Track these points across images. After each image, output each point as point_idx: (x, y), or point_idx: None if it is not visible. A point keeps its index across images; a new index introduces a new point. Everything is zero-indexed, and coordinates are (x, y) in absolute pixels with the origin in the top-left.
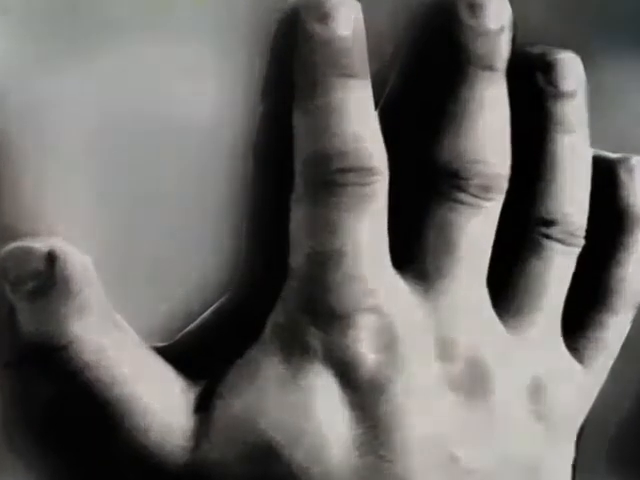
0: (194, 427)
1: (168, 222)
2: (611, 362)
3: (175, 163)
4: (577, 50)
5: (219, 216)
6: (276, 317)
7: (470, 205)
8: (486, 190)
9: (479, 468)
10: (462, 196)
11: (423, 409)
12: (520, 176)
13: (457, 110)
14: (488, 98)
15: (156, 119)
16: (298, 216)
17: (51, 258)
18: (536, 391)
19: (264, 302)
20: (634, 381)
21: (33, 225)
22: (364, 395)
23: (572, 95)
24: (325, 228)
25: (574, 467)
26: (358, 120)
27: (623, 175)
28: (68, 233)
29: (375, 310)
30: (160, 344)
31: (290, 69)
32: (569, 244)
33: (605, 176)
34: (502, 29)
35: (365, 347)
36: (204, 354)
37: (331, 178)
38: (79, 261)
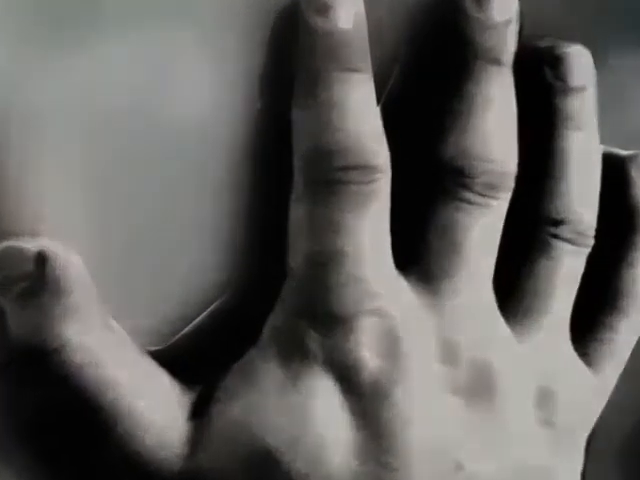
0: (190, 433)
1: (163, 221)
2: (622, 366)
3: (171, 161)
4: (586, 43)
5: (216, 216)
6: (274, 320)
7: (476, 204)
8: (492, 188)
9: (484, 476)
10: (467, 195)
11: (426, 415)
12: (527, 174)
13: (462, 106)
14: (494, 93)
15: (151, 116)
16: (297, 215)
17: (41, 258)
18: (543, 396)
19: (262, 304)
20: None
21: (22, 225)
22: (365, 401)
23: (581, 90)
24: (325, 228)
25: (583, 475)
26: (360, 116)
27: (634, 173)
28: (58, 233)
29: (377, 312)
30: (154, 347)
31: (289, 63)
32: (578, 244)
33: (615, 174)
34: (509, 21)
35: (366, 351)
36: (200, 358)
37: (332, 176)
38: (70, 261)
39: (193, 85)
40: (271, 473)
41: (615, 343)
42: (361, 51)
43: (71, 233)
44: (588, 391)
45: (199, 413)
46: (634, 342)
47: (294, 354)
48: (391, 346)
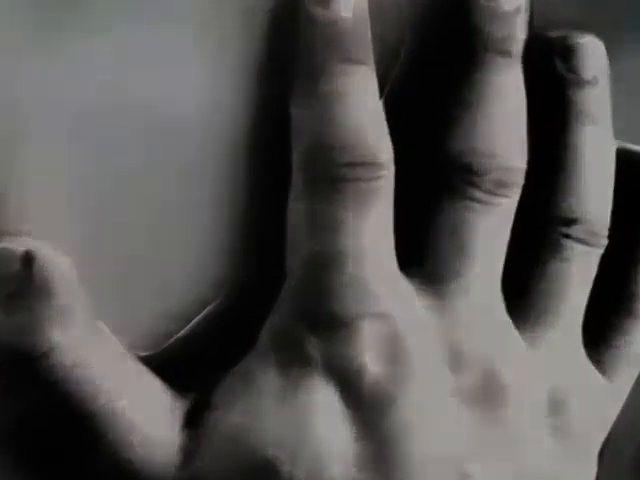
0: (184, 442)
1: (155, 221)
2: (636, 373)
3: (164, 160)
4: (599, 34)
5: (210, 215)
6: (272, 324)
7: (484, 202)
8: (501, 186)
9: None
10: (475, 193)
11: (432, 425)
12: (538, 171)
13: (470, 99)
14: (503, 86)
15: (140, 110)
16: (297, 214)
17: (28, 259)
18: (555, 405)
19: (259, 308)
20: None
21: (6, 225)
22: (368, 410)
23: (594, 82)
24: (326, 227)
25: None
26: (362, 110)
27: None
28: (45, 233)
29: (380, 316)
30: (146, 353)
31: (288, 55)
32: (591, 244)
33: (630, 170)
34: (518, 10)
35: (369, 357)
36: (194, 364)
37: (333, 173)
38: (58, 262)
39: (186, 80)
40: None
41: (630, 348)
42: (363, 42)
43: (59, 234)
44: (602, 398)
45: (194, 421)
46: None
47: (293, 360)
48: (394, 351)
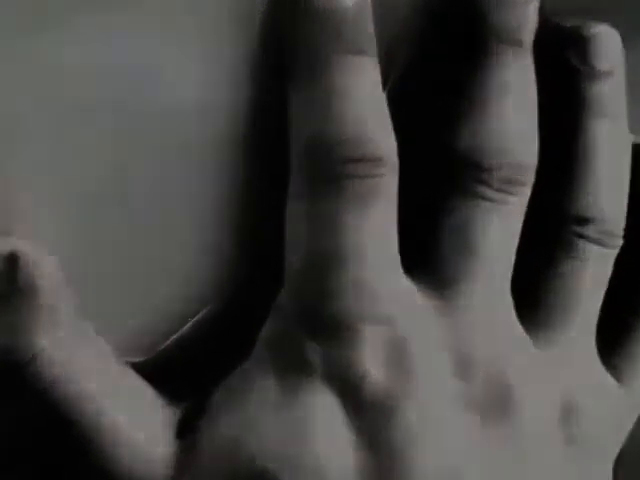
0: (176, 453)
1: (146, 220)
2: None
3: (154, 154)
4: (614, 23)
5: (204, 214)
6: (269, 329)
7: (493, 201)
8: (511, 183)
9: None
10: (484, 190)
11: (437, 435)
12: (549, 167)
13: (478, 92)
14: (513, 78)
15: (133, 104)
16: (295, 213)
17: (13, 259)
18: (567, 413)
19: (255, 311)
20: None
21: None
22: (370, 419)
23: (609, 75)
24: (326, 227)
25: None
26: (364, 103)
27: None
28: (31, 231)
29: (383, 320)
30: (137, 359)
31: (286, 46)
32: (606, 245)
33: None
34: None
35: (371, 363)
36: (187, 371)
37: (333, 169)
38: (45, 262)
39: (179, 73)
40: None
41: None
42: (365, 32)
43: (45, 233)
44: (616, 406)
45: (186, 431)
46: None
47: (291, 366)
48: (398, 357)
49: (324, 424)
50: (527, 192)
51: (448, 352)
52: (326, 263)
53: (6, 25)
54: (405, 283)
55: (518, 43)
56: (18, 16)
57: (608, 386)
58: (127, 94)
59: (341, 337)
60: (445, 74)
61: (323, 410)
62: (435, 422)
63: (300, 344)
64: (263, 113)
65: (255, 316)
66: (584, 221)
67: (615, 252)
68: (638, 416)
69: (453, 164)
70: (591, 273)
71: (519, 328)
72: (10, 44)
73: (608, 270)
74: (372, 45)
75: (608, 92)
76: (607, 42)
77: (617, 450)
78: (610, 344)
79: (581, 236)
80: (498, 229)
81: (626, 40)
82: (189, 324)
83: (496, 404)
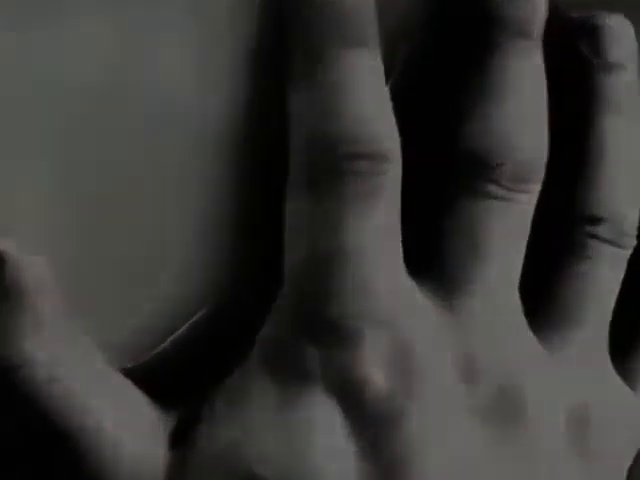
0: (169, 463)
1: (138, 219)
2: None
3: (146, 151)
4: (628, 14)
5: (199, 212)
6: (267, 333)
7: (500, 199)
8: (520, 180)
9: None
10: (491, 188)
11: (444, 444)
12: (560, 164)
13: (485, 86)
14: (522, 71)
15: (126, 99)
16: (294, 212)
17: None
18: (578, 421)
19: (252, 315)
20: None
21: None
22: (373, 427)
23: (621, 67)
24: (327, 226)
25: None
26: (367, 97)
27: None
28: (18, 231)
29: (386, 324)
30: (129, 365)
31: (284, 39)
32: (619, 245)
33: None
34: None
35: (373, 368)
36: (181, 377)
37: (334, 167)
38: (32, 264)
39: (176, 67)
40: None
41: None
42: (367, 23)
43: (23, 231)
44: (630, 412)
45: (180, 440)
46: None
47: (290, 372)
48: (401, 362)
49: (324, 432)
50: (536, 190)
51: (454, 357)
52: (326, 264)
53: (5, 20)
54: (409, 284)
55: (527, 35)
56: (17, 9)
57: (621, 392)
58: (126, 93)
59: (341, 341)
60: (451, 67)
61: (323, 417)
62: (440, 430)
63: (299, 348)
64: (262, 111)
65: (253, 318)
66: (596, 220)
67: (628, 253)
68: None
69: (458, 160)
70: (603, 274)
71: (528, 331)
72: (8, 40)
73: (621, 271)
74: (374, 37)
75: (620, 86)
76: (620, 34)
77: (630, 460)
78: (623, 348)
79: (593, 236)
80: (505, 228)
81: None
82: (183, 329)
83: (504, 411)
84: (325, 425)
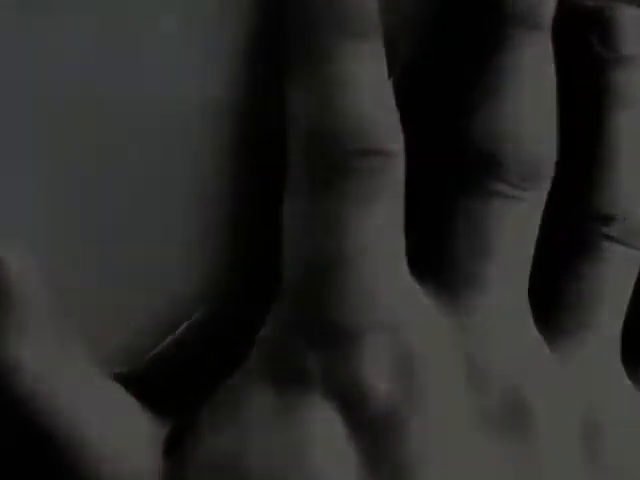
0: (164, 471)
1: (130, 220)
2: None
3: (140, 149)
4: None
5: (194, 213)
6: (265, 337)
7: (508, 197)
8: (528, 178)
9: None
10: (499, 186)
11: (448, 452)
12: (570, 161)
13: (492, 79)
14: (531, 65)
15: (132, 103)
16: (294, 212)
17: None
18: (590, 429)
19: (249, 319)
20: None
21: None
22: (375, 435)
23: (635, 60)
24: (326, 226)
25: None
26: (368, 92)
27: None
28: (4, 231)
29: (389, 327)
30: (121, 370)
31: (283, 32)
32: (631, 245)
33: None
34: None
35: (375, 376)
36: (175, 382)
37: (333, 165)
38: (18, 265)
39: (171, 63)
40: None
41: None
42: (368, 15)
43: (23, 235)
44: None
45: (175, 447)
46: None
47: (290, 378)
48: (405, 368)
49: (324, 443)
50: (546, 188)
51: (460, 363)
52: (326, 266)
53: (5, 10)
54: (413, 287)
55: (535, 26)
56: (17, 1)
57: (634, 400)
58: (126, 92)
59: (343, 346)
60: (457, 60)
61: (323, 427)
62: (445, 440)
63: (299, 354)
64: (260, 110)
65: (249, 324)
66: (608, 219)
67: None
68: None
69: (465, 157)
70: (615, 275)
71: (537, 336)
72: (9, 30)
73: (634, 272)
74: (376, 29)
75: (633, 80)
76: (632, 26)
77: None
78: (636, 354)
79: (605, 235)
80: (513, 228)
81: None
82: (178, 332)
83: (512, 420)
84: (325, 436)
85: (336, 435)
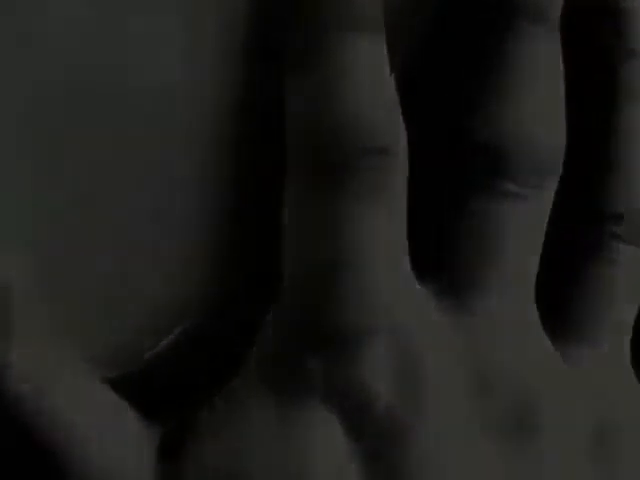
0: (163, 474)
1: (129, 219)
2: None
3: (139, 149)
4: None
5: (194, 213)
6: (264, 342)
7: (514, 195)
8: (535, 175)
9: None
10: (505, 184)
11: (454, 460)
12: (579, 158)
13: (499, 74)
14: (538, 57)
15: (118, 93)
16: (292, 214)
17: None
18: (600, 434)
19: (247, 323)
20: None
21: None
22: (377, 443)
23: None
24: (328, 227)
25: None
26: (370, 90)
27: None
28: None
29: (392, 332)
30: (114, 375)
31: (282, 24)
32: None
33: None
34: None
35: (377, 381)
36: (170, 387)
37: (332, 164)
38: (5, 267)
39: (165, 53)
40: None
41: None
42: (370, 6)
43: (16, 235)
44: None
45: (171, 455)
46: None
47: (290, 384)
48: (409, 373)
49: (325, 447)
50: (553, 186)
51: (465, 367)
52: (326, 267)
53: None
54: (416, 289)
55: (543, 19)
56: None
57: None
58: (125, 92)
59: (345, 351)
60: (462, 54)
61: (324, 432)
62: (450, 447)
63: (299, 359)
64: (257, 101)
65: (247, 328)
66: (617, 218)
67: None
68: None
69: (470, 154)
70: (625, 277)
71: (545, 339)
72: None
73: None
74: (378, 21)
75: None
76: None
77: None
78: None
79: (614, 235)
80: (520, 227)
81: None
82: (174, 335)
83: (519, 426)
84: (326, 439)
85: (337, 441)
